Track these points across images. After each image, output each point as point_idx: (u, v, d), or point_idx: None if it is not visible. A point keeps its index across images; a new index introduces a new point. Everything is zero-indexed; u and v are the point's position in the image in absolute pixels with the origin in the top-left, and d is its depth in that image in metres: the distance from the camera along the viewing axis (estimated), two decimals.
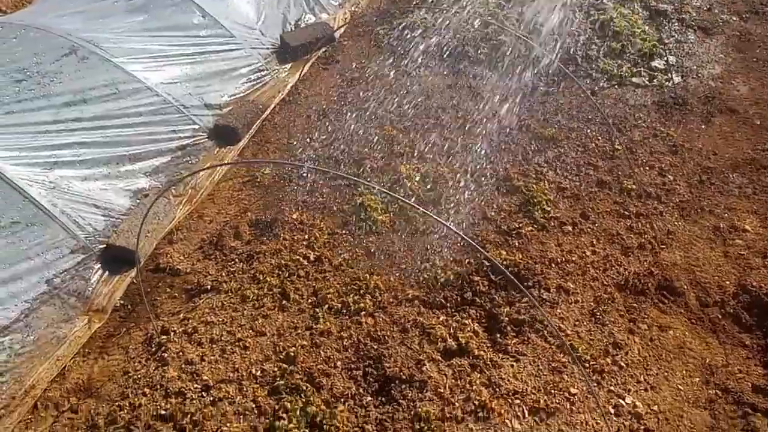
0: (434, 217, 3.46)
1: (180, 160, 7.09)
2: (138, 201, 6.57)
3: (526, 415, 4.60)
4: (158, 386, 5.06)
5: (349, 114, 7.41)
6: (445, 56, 8.18)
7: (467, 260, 5.70)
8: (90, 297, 5.90)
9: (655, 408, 4.62)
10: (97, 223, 6.21)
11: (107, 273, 6.10)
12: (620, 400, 4.65)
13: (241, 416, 4.79)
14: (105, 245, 6.16)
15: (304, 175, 6.22)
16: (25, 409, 5.16)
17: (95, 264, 6.07)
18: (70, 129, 6.44)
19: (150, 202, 6.41)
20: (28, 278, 5.70)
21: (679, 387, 4.76)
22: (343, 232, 6.17)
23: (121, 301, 5.92)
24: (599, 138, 6.88)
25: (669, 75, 7.75)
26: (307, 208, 6.44)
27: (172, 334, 5.44)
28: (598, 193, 6.28)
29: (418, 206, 3.98)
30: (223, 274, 5.89)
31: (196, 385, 5.01)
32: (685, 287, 5.42)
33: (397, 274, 5.67)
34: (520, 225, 5.98)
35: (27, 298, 5.64)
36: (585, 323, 5.17)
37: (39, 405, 5.17)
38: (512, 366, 4.91)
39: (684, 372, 4.86)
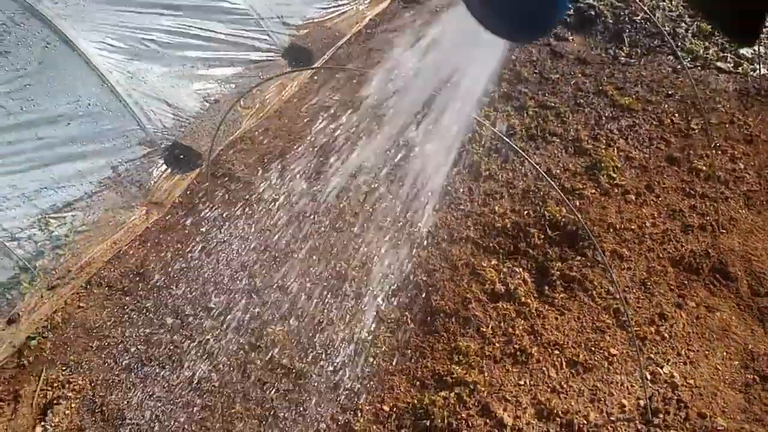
0: (515, 147, 3.45)
1: (252, 73, 7.14)
2: (207, 105, 6.67)
3: (564, 367, 4.66)
4: (211, 282, 5.23)
5: (424, 56, 7.34)
6: None
7: (526, 211, 5.71)
8: (151, 190, 6.06)
9: (692, 382, 4.62)
10: (166, 120, 6.32)
11: (169, 170, 6.24)
12: (658, 368, 4.66)
13: (286, 322, 4.94)
14: (171, 143, 6.29)
15: (376, 101, 6.22)
16: (79, 283, 5.38)
17: (159, 159, 6.21)
18: (154, 24, 6.53)
19: (222, 109, 6.53)
20: (95, 161, 5.87)
21: (718, 367, 4.75)
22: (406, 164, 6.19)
23: (180, 199, 6.07)
24: (675, 114, 6.74)
25: (756, 65, 7.51)
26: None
27: (229, 235, 5.59)
28: (666, 168, 6.18)
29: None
30: (283, 187, 5.99)
31: (246, 287, 5.17)
32: (740, 273, 5.35)
33: (456, 214, 5.71)
34: (584, 186, 5.93)
35: (92, 180, 5.82)
36: (634, 290, 5.16)
37: (93, 282, 5.39)
38: (556, 319, 4.95)
39: (725, 354, 4.83)
